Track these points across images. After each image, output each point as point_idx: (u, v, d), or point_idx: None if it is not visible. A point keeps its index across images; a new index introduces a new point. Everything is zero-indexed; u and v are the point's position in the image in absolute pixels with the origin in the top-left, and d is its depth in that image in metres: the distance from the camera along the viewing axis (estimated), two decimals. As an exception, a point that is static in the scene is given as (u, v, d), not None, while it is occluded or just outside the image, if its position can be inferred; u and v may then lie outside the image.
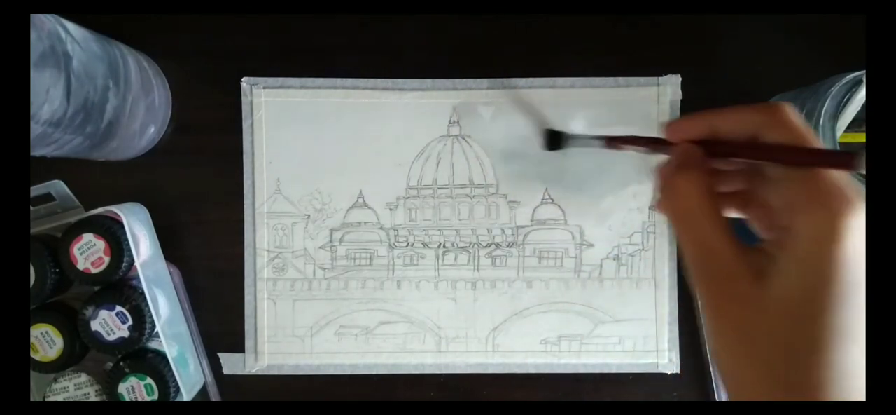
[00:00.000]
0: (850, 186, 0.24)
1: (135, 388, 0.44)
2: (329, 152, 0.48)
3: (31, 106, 0.32)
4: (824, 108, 0.37)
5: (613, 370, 0.49)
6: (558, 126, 0.38)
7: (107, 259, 0.42)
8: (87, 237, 0.42)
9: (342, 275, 0.49)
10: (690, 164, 0.28)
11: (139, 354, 0.45)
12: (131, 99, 0.42)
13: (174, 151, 0.48)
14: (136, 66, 0.43)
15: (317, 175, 0.48)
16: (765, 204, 0.30)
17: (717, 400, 0.47)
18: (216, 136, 0.48)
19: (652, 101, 0.47)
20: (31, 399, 0.46)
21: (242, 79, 0.47)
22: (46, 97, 0.33)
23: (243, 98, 0.48)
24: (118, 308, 0.43)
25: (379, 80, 0.47)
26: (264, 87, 0.48)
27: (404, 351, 0.49)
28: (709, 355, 0.28)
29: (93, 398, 0.45)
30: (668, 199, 0.28)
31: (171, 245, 0.47)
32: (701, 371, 0.48)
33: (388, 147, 0.48)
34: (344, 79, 0.47)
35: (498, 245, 0.49)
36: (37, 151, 0.35)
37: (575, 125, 0.47)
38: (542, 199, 0.48)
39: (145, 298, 0.43)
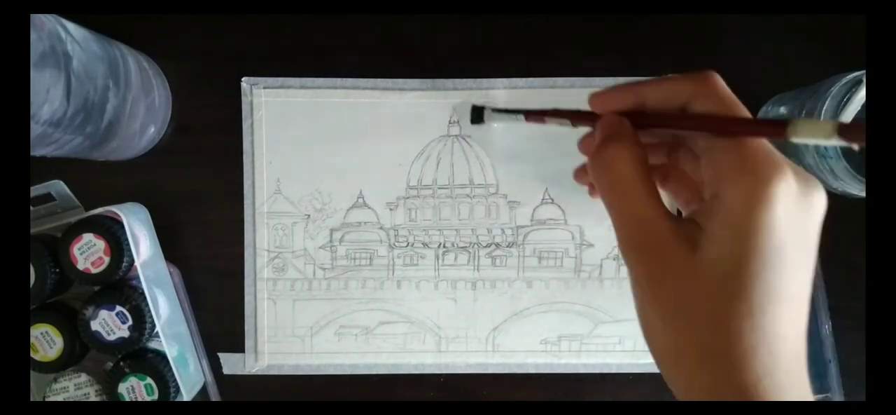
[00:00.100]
0: (776, 152, 0.24)
1: (135, 388, 0.44)
2: (329, 152, 0.48)
3: (31, 106, 0.32)
4: (824, 108, 0.37)
5: (613, 370, 0.49)
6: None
7: (107, 259, 0.42)
8: (87, 237, 0.42)
9: (342, 275, 0.49)
10: (620, 134, 0.28)
11: (139, 354, 0.45)
12: (131, 99, 0.42)
13: (174, 151, 0.48)
14: (136, 66, 0.43)
15: (317, 175, 0.48)
16: (685, 178, 0.29)
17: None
18: (216, 136, 0.48)
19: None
20: (31, 399, 0.46)
21: (242, 79, 0.47)
22: (46, 97, 0.33)
23: (243, 98, 0.48)
24: (118, 308, 0.43)
25: (379, 80, 0.47)
26: (264, 87, 0.48)
27: (404, 351, 0.49)
28: (643, 333, 0.27)
29: (93, 398, 0.45)
30: (599, 171, 0.27)
31: (171, 245, 0.47)
32: (701, 371, 0.48)
33: (388, 147, 0.48)
34: (344, 79, 0.47)
35: (498, 245, 0.49)
36: (37, 151, 0.35)
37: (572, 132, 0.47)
38: (542, 199, 0.48)
39: (145, 298, 0.43)
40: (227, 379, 0.49)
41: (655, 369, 0.50)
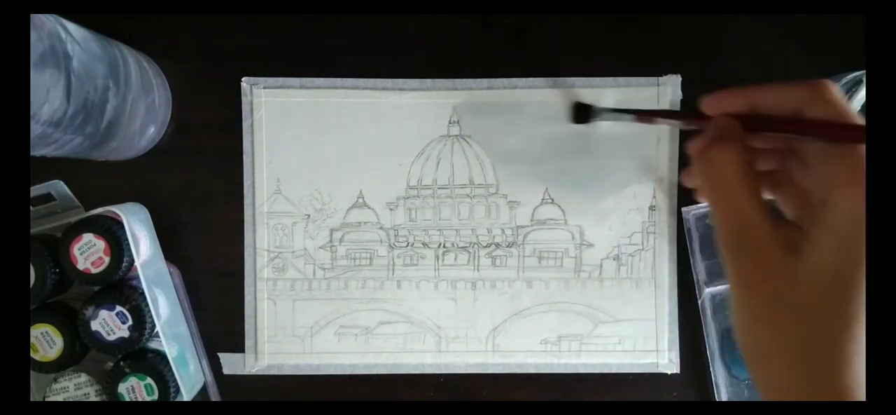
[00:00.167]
0: None
1: (135, 388, 0.44)
2: (329, 152, 0.48)
3: (31, 106, 0.32)
4: (824, 108, 0.37)
5: (613, 370, 0.49)
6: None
7: (107, 259, 0.42)
8: (87, 237, 0.42)
9: (342, 275, 0.49)
10: (728, 136, 0.28)
11: (139, 354, 0.45)
12: (131, 99, 0.42)
13: (174, 151, 0.48)
14: (136, 66, 0.43)
15: (317, 175, 0.48)
16: (796, 183, 0.30)
17: (717, 400, 0.47)
18: (216, 136, 0.48)
19: (652, 101, 0.47)
20: (31, 399, 0.46)
21: (242, 79, 0.47)
22: (46, 97, 0.33)
23: (243, 98, 0.48)
24: (118, 308, 0.43)
25: (379, 80, 0.47)
26: (264, 87, 0.48)
27: (404, 351, 0.49)
28: (734, 330, 0.27)
29: (93, 398, 0.45)
30: (704, 170, 0.28)
31: (171, 245, 0.47)
32: (701, 371, 0.48)
33: (388, 147, 0.48)
34: (344, 79, 0.47)
35: (498, 245, 0.49)
36: (37, 151, 0.35)
37: (574, 130, 0.47)
38: (542, 199, 0.48)
39: (145, 298, 0.43)
40: (227, 379, 0.49)
41: (655, 370, 0.50)
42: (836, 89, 0.26)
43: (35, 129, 0.33)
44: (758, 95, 0.28)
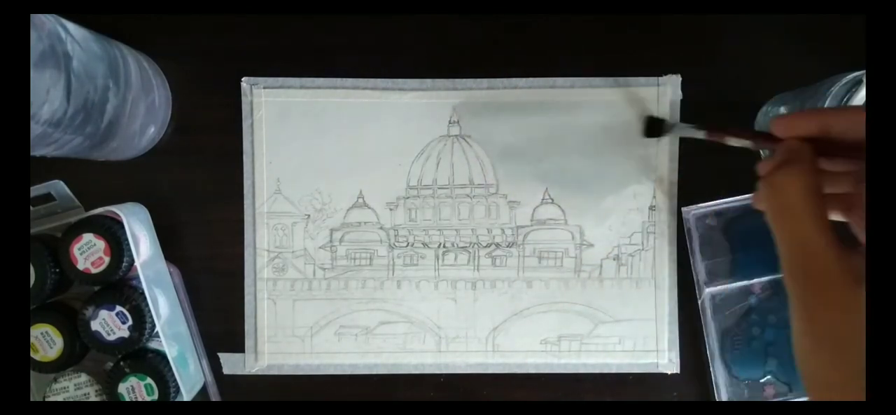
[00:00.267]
0: None
1: (135, 388, 0.44)
2: (329, 152, 0.48)
3: (31, 106, 0.32)
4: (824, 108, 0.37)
5: (613, 370, 0.49)
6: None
7: (107, 259, 0.42)
8: (87, 237, 0.42)
9: (342, 275, 0.49)
10: (796, 160, 0.27)
11: (139, 354, 0.45)
12: (131, 99, 0.42)
13: (174, 151, 0.48)
14: (136, 66, 0.43)
15: (317, 175, 0.48)
16: None
17: (717, 400, 0.47)
18: (216, 136, 0.48)
19: (652, 101, 0.47)
20: (31, 399, 0.46)
21: (242, 79, 0.47)
22: (46, 97, 0.33)
23: (243, 98, 0.48)
24: (118, 308, 0.43)
25: (379, 80, 0.47)
26: (264, 87, 0.48)
27: (404, 351, 0.49)
28: (795, 357, 0.27)
29: (93, 398, 0.45)
30: (770, 194, 0.27)
31: (171, 245, 0.47)
32: (701, 371, 0.48)
33: (388, 147, 0.48)
34: (344, 79, 0.47)
35: (498, 245, 0.49)
36: (37, 151, 0.35)
37: (574, 130, 0.47)
38: (542, 199, 0.48)
39: (145, 298, 0.43)
40: (227, 379, 0.49)
41: (655, 370, 0.50)
42: None
43: (35, 129, 0.33)
44: (830, 118, 0.28)
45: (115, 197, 0.46)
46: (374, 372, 0.49)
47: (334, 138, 0.48)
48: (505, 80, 0.47)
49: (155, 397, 0.44)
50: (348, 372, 0.49)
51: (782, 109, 0.43)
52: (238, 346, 0.49)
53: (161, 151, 0.48)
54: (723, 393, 0.47)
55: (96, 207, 0.44)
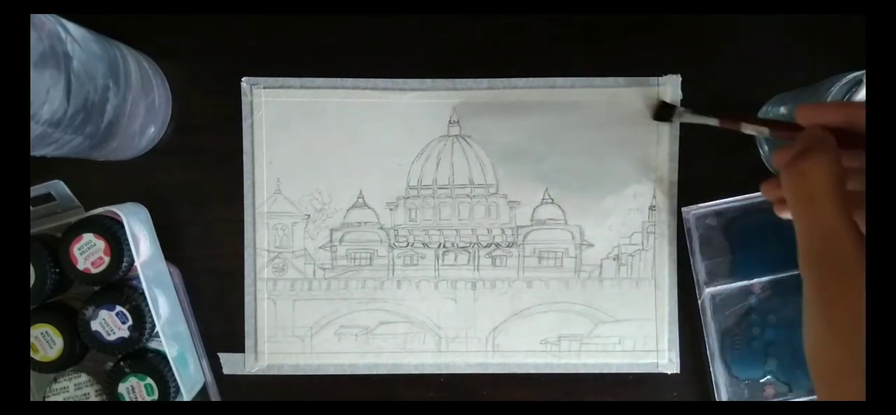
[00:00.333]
0: None
1: (135, 388, 0.44)
2: (329, 152, 0.48)
3: (31, 106, 0.32)
4: (824, 108, 0.37)
5: (613, 370, 0.49)
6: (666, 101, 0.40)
7: (107, 259, 0.42)
8: (87, 237, 0.42)
9: (342, 275, 0.49)
10: (821, 148, 0.27)
11: (139, 354, 0.45)
12: (131, 99, 0.42)
13: (174, 151, 0.48)
14: (136, 66, 0.43)
15: (317, 175, 0.48)
16: None
17: (717, 400, 0.47)
18: (216, 136, 0.48)
19: (652, 101, 0.47)
20: (31, 399, 0.46)
21: (242, 79, 0.47)
22: (46, 97, 0.33)
23: (243, 98, 0.48)
24: (118, 308, 0.43)
25: (379, 80, 0.47)
26: (264, 87, 0.48)
27: (404, 351, 0.49)
28: (805, 345, 0.27)
29: (93, 398, 0.45)
30: (794, 181, 0.27)
31: (171, 245, 0.47)
32: (701, 371, 0.48)
33: (388, 147, 0.48)
34: (344, 79, 0.48)
35: (498, 245, 0.49)
36: (37, 151, 0.35)
37: (574, 130, 0.47)
38: (542, 199, 0.48)
39: (145, 298, 0.43)
40: (227, 379, 0.49)
41: (655, 370, 0.50)
42: None
43: (35, 129, 0.33)
44: (856, 112, 0.28)
45: (115, 197, 0.46)
46: (374, 372, 0.49)
47: (334, 138, 0.48)
48: (505, 81, 0.47)
49: (155, 397, 0.44)
50: (348, 372, 0.49)
51: (782, 109, 0.43)
52: (238, 346, 0.49)
53: (161, 151, 0.48)
54: (723, 393, 0.47)
55: (96, 207, 0.44)
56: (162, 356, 0.45)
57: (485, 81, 0.48)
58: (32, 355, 0.43)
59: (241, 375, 0.49)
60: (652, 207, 0.48)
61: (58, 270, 0.43)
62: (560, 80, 0.47)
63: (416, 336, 0.49)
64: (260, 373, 0.49)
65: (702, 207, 0.46)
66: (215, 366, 0.49)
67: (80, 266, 0.42)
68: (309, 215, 0.48)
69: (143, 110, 0.44)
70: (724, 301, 0.47)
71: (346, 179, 0.48)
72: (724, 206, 0.46)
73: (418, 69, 0.47)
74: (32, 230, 0.46)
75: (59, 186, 0.45)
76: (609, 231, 0.48)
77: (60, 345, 0.43)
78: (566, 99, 0.47)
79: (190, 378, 0.46)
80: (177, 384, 0.44)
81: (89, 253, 0.42)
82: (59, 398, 0.45)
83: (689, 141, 0.47)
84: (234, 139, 0.48)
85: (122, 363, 0.44)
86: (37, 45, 0.32)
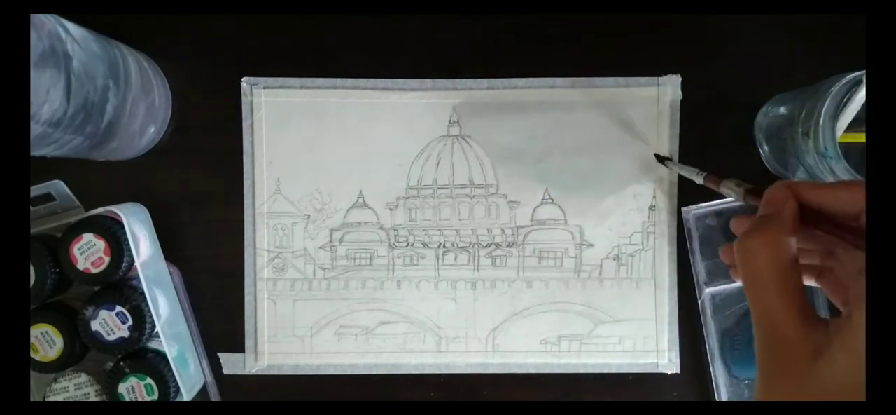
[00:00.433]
0: None
1: (135, 388, 0.44)
2: (329, 152, 0.48)
3: (31, 106, 0.32)
4: (824, 108, 0.37)
5: (613, 370, 0.49)
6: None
7: (107, 259, 0.42)
8: (87, 237, 0.42)
9: (342, 275, 0.49)
10: (771, 226, 0.27)
11: (139, 354, 0.45)
12: (131, 99, 0.42)
13: (174, 151, 0.48)
14: (136, 66, 0.43)
15: (317, 175, 0.48)
16: (838, 279, 0.29)
17: (717, 400, 0.47)
18: (216, 136, 0.48)
19: (652, 101, 0.47)
20: (31, 399, 0.46)
21: (242, 79, 0.47)
22: (46, 97, 0.33)
23: (243, 98, 0.48)
24: (118, 308, 0.43)
25: (379, 80, 0.47)
26: (264, 87, 0.48)
27: (404, 351, 0.49)
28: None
29: (93, 398, 0.45)
30: (741, 260, 0.27)
31: (171, 245, 0.47)
32: (701, 371, 0.48)
33: (388, 147, 0.48)
34: (344, 79, 0.47)
35: (498, 245, 0.49)
36: (37, 151, 0.35)
37: (574, 130, 0.47)
38: (542, 199, 0.48)
39: (145, 298, 0.43)
40: (227, 379, 0.49)
41: (655, 370, 0.50)
42: None
43: (35, 129, 0.33)
44: (823, 191, 0.27)
45: (115, 197, 0.46)
46: (374, 372, 0.49)
47: (334, 138, 0.48)
48: (505, 80, 0.47)
49: (155, 397, 0.44)
50: (348, 372, 0.49)
51: (782, 110, 0.43)
52: (238, 346, 0.49)
53: (161, 151, 0.48)
54: (723, 393, 0.47)
55: (96, 207, 0.44)
56: (162, 356, 0.45)
57: (485, 81, 0.48)
58: (32, 355, 0.43)
59: (241, 375, 0.49)
60: (652, 207, 0.48)
61: (58, 270, 0.43)
62: (560, 80, 0.47)
63: (416, 336, 0.49)
64: (260, 373, 0.49)
65: (702, 207, 0.46)
66: (215, 366, 0.49)
67: (80, 266, 0.42)
68: (309, 215, 0.48)
69: (143, 110, 0.44)
70: (724, 301, 0.47)
71: (346, 179, 0.48)
72: (724, 206, 0.46)
73: (418, 69, 0.47)
74: (32, 230, 0.46)
75: (59, 186, 0.45)
76: (609, 231, 0.48)
77: (60, 345, 0.43)
78: (566, 99, 0.47)
79: (190, 378, 0.46)
80: (177, 384, 0.44)
81: (89, 253, 0.42)
82: (59, 398, 0.45)
83: (690, 141, 0.47)
84: (234, 139, 0.48)
85: (122, 363, 0.44)
86: (37, 45, 0.32)
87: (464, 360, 0.49)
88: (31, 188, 0.44)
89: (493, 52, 0.47)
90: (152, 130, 0.46)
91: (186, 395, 0.45)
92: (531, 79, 0.47)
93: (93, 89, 0.37)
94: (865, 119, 0.38)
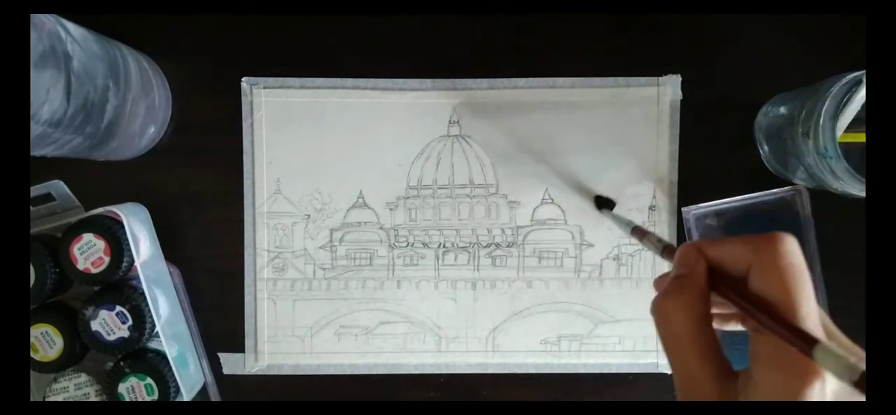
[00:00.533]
0: (812, 336, 0.24)
1: (135, 388, 0.44)
2: (329, 152, 0.48)
3: (31, 106, 0.32)
4: (824, 108, 0.37)
5: (613, 370, 0.49)
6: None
7: (107, 259, 0.42)
8: (87, 237, 0.42)
9: (342, 275, 0.49)
10: (685, 288, 0.27)
11: (139, 354, 0.45)
12: (131, 99, 0.42)
13: (174, 151, 0.48)
14: (136, 66, 0.43)
15: (317, 175, 0.48)
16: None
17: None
18: (216, 136, 0.48)
19: (652, 101, 0.47)
20: (31, 399, 0.46)
21: (242, 79, 0.47)
22: (46, 97, 0.33)
23: (243, 98, 0.48)
24: (118, 308, 0.43)
25: (379, 80, 0.47)
26: (264, 87, 0.48)
27: (404, 351, 0.49)
28: None
29: (93, 398, 0.45)
30: (657, 319, 0.28)
31: (171, 245, 0.47)
32: (701, 371, 0.48)
33: (388, 147, 0.48)
34: (344, 79, 0.47)
35: (498, 245, 0.49)
36: (37, 151, 0.35)
37: (574, 130, 0.47)
38: (542, 199, 0.48)
39: (145, 298, 0.43)
40: (227, 379, 0.49)
41: (655, 369, 0.50)
42: (782, 252, 0.25)
43: (35, 129, 0.33)
44: (721, 250, 0.28)
45: (115, 197, 0.46)
46: (374, 372, 0.49)
47: (334, 138, 0.48)
48: (505, 80, 0.47)
49: (155, 397, 0.44)
50: (348, 372, 0.49)
51: (782, 110, 0.43)
52: (238, 346, 0.49)
53: (161, 151, 0.48)
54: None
55: (96, 207, 0.44)
56: (162, 356, 0.45)
57: (485, 81, 0.48)
58: (32, 355, 0.43)
59: (241, 375, 0.49)
60: (652, 207, 0.48)
61: (58, 270, 0.43)
62: (560, 80, 0.47)
63: (416, 336, 0.49)
64: (260, 373, 0.49)
65: (702, 207, 0.46)
66: (215, 366, 0.49)
67: (80, 266, 0.42)
68: (309, 215, 0.48)
69: (143, 110, 0.44)
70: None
71: (346, 179, 0.48)
72: (724, 206, 0.46)
73: (418, 69, 0.47)
74: (32, 230, 0.46)
75: (59, 186, 0.45)
76: (609, 231, 0.48)
77: (60, 345, 0.43)
78: (566, 99, 0.47)
79: (190, 378, 0.46)
80: (177, 384, 0.44)
81: (89, 253, 0.42)
82: (59, 398, 0.45)
83: (690, 141, 0.47)
84: (234, 139, 0.48)
85: (122, 363, 0.44)
86: (37, 45, 0.32)
87: (464, 360, 0.49)
88: (31, 188, 0.44)
89: (493, 52, 0.47)
90: (152, 130, 0.46)
91: (186, 395, 0.45)
92: (531, 79, 0.47)
93: (93, 89, 0.37)
94: (865, 119, 0.38)
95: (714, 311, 0.28)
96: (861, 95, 0.36)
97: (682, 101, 0.47)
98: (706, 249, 0.28)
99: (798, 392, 0.23)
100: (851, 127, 0.38)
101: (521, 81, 0.47)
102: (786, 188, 0.45)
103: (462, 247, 0.49)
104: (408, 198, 0.48)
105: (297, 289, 0.49)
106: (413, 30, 0.47)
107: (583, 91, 0.47)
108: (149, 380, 0.44)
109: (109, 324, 0.43)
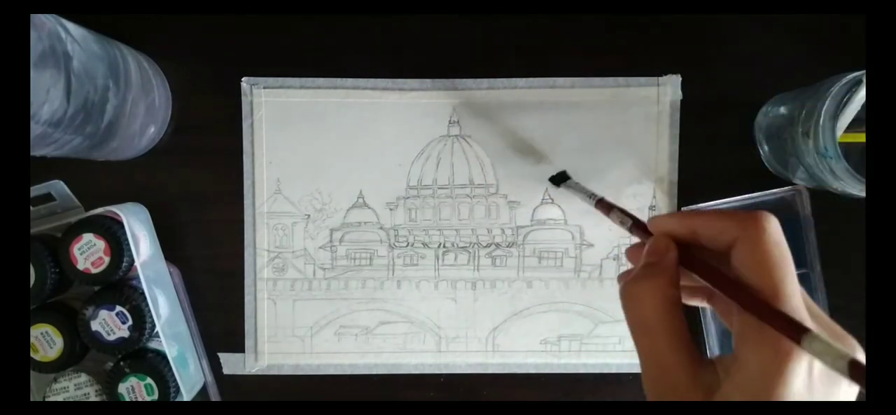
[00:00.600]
0: (802, 321, 0.23)
1: (135, 388, 0.44)
2: (329, 152, 0.48)
3: (31, 106, 0.32)
4: (824, 108, 0.37)
5: (613, 370, 0.49)
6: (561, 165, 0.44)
7: (107, 259, 0.42)
8: (87, 237, 0.42)
9: (342, 275, 0.49)
10: (655, 271, 0.27)
11: (139, 354, 0.45)
12: (131, 99, 0.42)
13: (174, 151, 0.48)
14: (136, 66, 0.43)
15: (317, 175, 0.48)
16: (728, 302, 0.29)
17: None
18: (216, 136, 0.48)
19: (652, 101, 0.47)
20: (31, 399, 0.46)
21: (242, 79, 0.47)
22: (46, 97, 0.33)
23: (243, 98, 0.48)
24: (118, 308, 0.43)
25: (379, 80, 0.47)
26: (264, 87, 0.48)
27: (404, 351, 0.49)
28: None
29: (93, 398, 0.45)
30: (627, 305, 0.27)
31: (171, 245, 0.47)
32: (701, 371, 0.48)
33: (388, 147, 0.48)
34: (344, 79, 0.47)
35: (498, 245, 0.49)
36: (37, 151, 0.35)
37: (574, 130, 0.47)
38: (542, 199, 0.48)
39: (145, 298, 0.43)
40: (227, 379, 0.49)
41: (655, 369, 0.49)
42: (768, 231, 0.25)
43: (35, 129, 0.33)
44: (698, 222, 0.27)
45: (115, 197, 0.46)
46: (374, 372, 0.49)
47: (334, 138, 0.48)
48: (505, 80, 0.47)
49: (155, 397, 0.44)
50: (348, 372, 0.49)
51: (782, 110, 0.43)
52: (238, 346, 0.49)
53: (161, 151, 0.48)
54: (723, 393, 0.47)
55: (96, 207, 0.44)
56: (162, 356, 0.45)
57: (485, 81, 0.48)
58: (32, 355, 0.43)
59: (241, 375, 0.49)
60: (652, 207, 0.48)
61: (58, 270, 0.43)
62: (560, 80, 0.47)
63: (416, 336, 0.49)
64: (260, 373, 0.49)
65: (702, 207, 0.46)
66: (215, 366, 0.49)
67: (80, 266, 0.42)
68: (309, 215, 0.48)
69: (143, 110, 0.44)
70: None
71: (346, 179, 0.48)
72: (724, 206, 0.46)
73: (418, 69, 0.47)
74: (32, 230, 0.46)
75: (59, 186, 0.45)
76: (609, 231, 0.48)
77: (60, 345, 0.43)
78: (566, 99, 0.47)
79: (190, 378, 0.46)
80: (177, 384, 0.44)
81: (89, 253, 0.42)
82: (59, 398, 0.45)
83: (690, 141, 0.47)
84: (234, 139, 0.48)
85: (122, 363, 0.44)
86: (37, 45, 0.32)
87: (464, 360, 0.49)
88: (31, 188, 0.44)
89: (493, 52, 0.47)
90: (152, 130, 0.46)
91: (186, 395, 0.45)
92: (531, 79, 0.47)
93: (93, 89, 0.37)
94: (865, 119, 0.38)
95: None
96: (861, 95, 0.36)
97: (682, 101, 0.47)
98: (684, 219, 0.28)
99: (786, 370, 0.23)
100: (851, 127, 0.38)
101: (521, 81, 0.47)
102: (786, 188, 0.45)
103: (462, 247, 0.49)
104: (408, 198, 0.48)
105: (297, 289, 0.49)
106: (413, 30, 0.47)
107: (583, 91, 0.47)
108: (149, 380, 0.44)
109: (109, 324, 0.43)
